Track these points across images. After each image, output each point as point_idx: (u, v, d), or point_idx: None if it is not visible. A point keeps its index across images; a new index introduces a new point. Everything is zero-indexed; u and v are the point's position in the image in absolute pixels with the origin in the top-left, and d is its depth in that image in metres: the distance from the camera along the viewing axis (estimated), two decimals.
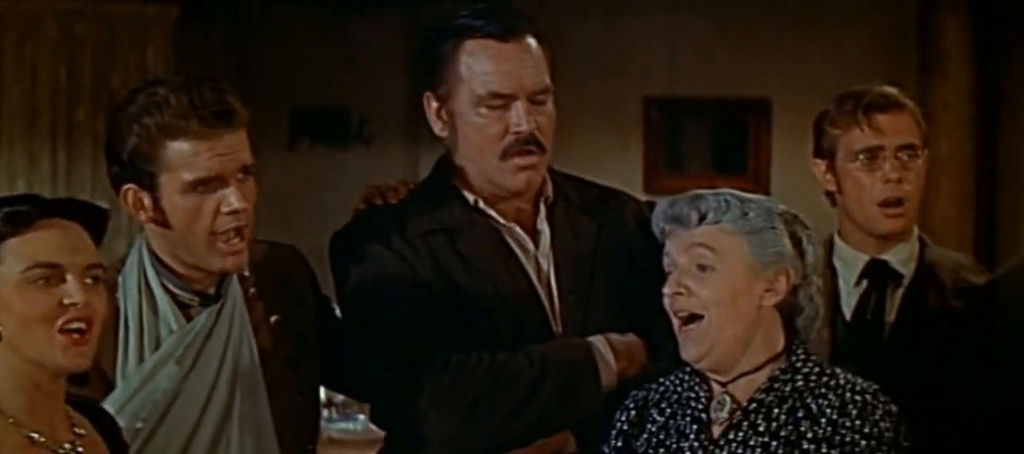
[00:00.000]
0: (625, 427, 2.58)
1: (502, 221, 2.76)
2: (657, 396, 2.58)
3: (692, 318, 2.49)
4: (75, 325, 2.19)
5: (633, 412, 2.58)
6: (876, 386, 2.49)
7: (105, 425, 2.33)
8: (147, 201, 2.53)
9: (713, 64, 7.96)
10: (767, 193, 7.58)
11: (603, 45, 8.10)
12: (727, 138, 8.11)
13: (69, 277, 2.20)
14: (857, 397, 2.45)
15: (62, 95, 7.48)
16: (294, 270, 2.77)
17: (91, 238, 2.26)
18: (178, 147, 2.49)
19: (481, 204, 2.76)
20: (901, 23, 7.44)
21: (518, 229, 2.77)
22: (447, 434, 2.64)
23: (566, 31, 7.83)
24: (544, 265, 2.77)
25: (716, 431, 2.48)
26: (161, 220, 2.54)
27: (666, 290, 2.51)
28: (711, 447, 2.47)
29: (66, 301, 2.18)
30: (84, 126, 7.49)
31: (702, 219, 2.49)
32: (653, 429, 2.55)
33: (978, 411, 2.84)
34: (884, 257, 2.96)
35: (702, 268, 2.48)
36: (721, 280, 2.47)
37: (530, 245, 2.77)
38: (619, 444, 2.57)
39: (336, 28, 8.71)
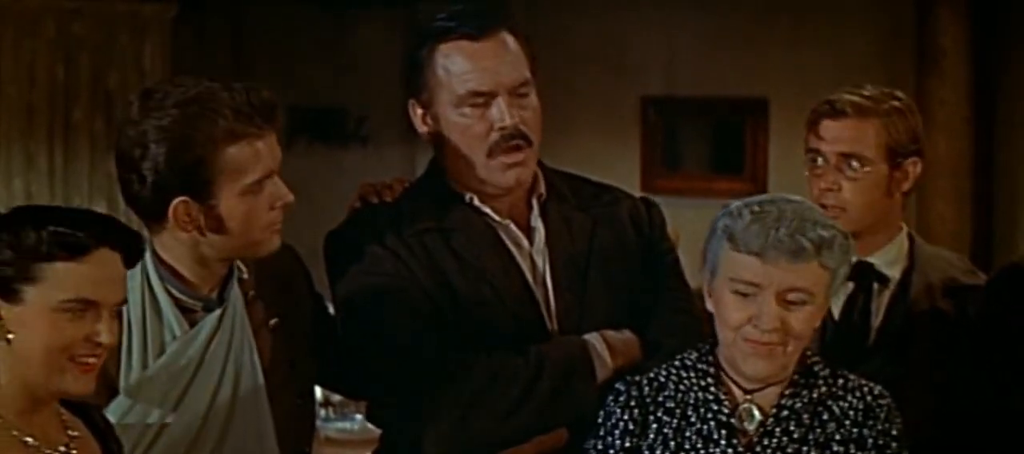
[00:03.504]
0: (630, 426, 2.54)
1: (497, 218, 2.77)
2: (653, 392, 2.56)
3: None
4: (91, 359, 2.19)
5: (636, 410, 2.55)
6: (884, 389, 2.55)
7: (98, 425, 2.33)
8: (195, 211, 2.49)
9: (710, 64, 7.96)
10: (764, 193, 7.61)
11: (600, 45, 8.10)
12: (724, 138, 8.11)
13: (102, 314, 2.18)
14: (881, 401, 2.52)
15: (60, 94, 7.47)
16: (291, 270, 2.77)
17: (126, 267, 2.24)
18: (239, 150, 2.47)
19: (476, 201, 2.76)
20: (899, 22, 7.44)
21: (513, 226, 2.77)
22: (443, 433, 2.64)
23: (563, 31, 7.83)
24: (539, 262, 2.77)
25: (752, 437, 2.49)
26: (215, 227, 2.50)
27: (764, 323, 2.44)
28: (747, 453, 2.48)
29: (95, 339, 2.18)
30: (81, 125, 7.49)
31: (818, 252, 2.44)
32: (666, 432, 2.52)
33: (966, 412, 2.85)
34: (870, 259, 2.96)
35: (794, 304, 2.45)
36: (808, 315, 2.46)
37: (525, 243, 2.77)
38: (626, 444, 2.54)
39: (334, 27, 8.71)
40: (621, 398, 2.57)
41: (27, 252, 2.13)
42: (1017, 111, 7.28)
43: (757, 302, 2.44)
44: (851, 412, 2.50)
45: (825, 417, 2.50)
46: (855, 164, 2.92)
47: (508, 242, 2.76)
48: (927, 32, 7.20)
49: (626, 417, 2.55)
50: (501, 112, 2.69)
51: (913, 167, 2.98)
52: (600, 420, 2.57)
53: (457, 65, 2.69)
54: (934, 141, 6.77)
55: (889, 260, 2.98)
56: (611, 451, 2.55)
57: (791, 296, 2.44)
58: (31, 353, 2.15)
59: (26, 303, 2.13)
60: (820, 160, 2.96)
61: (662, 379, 2.56)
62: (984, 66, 7.18)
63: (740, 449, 2.48)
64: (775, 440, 2.48)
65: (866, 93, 2.96)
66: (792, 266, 2.43)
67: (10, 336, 2.14)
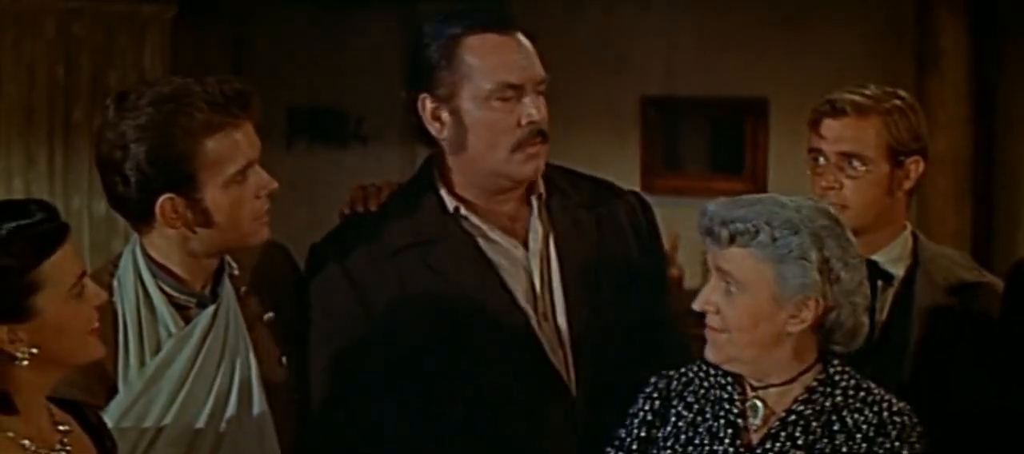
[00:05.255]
0: (649, 417, 2.57)
1: (484, 227, 2.72)
2: (680, 386, 2.57)
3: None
4: (98, 323, 2.24)
5: (657, 402, 2.57)
6: (908, 406, 2.49)
7: (90, 422, 2.34)
8: (181, 207, 2.50)
9: (710, 64, 7.96)
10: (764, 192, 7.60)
11: (601, 45, 8.10)
12: (724, 137, 8.11)
13: (88, 281, 2.22)
14: (896, 418, 2.46)
15: (59, 94, 7.46)
16: (282, 267, 2.77)
17: None
18: (218, 142, 2.49)
19: (462, 210, 2.72)
20: (898, 22, 7.44)
21: (499, 236, 2.73)
22: None
23: (564, 30, 7.82)
24: (535, 265, 2.75)
25: (752, 438, 2.47)
26: (203, 221, 2.52)
27: (697, 301, 2.49)
28: None
29: (95, 302, 2.23)
30: (81, 125, 7.47)
31: (732, 240, 2.44)
32: (681, 425, 2.53)
33: (971, 408, 2.84)
34: (874, 258, 2.96)
35: (728, 289, 2.46)
36: (744, 305, 2.44)
37: (518, 251, 2.74)
38: (642, 433, 2.56)
39: (333, 27, 8.70)
40: (647, 390, 2.59)
41: (18, 270, 2.13)
42: (1017, 111, 7.27)
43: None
44: (864, 426, 2.45)
45: (836, 427, 2.46)
46: (856, 163, 2.92)
47: (490, 253, 2.71)
48: (926, 32, 7.19)
49: (647, 408, 2.57)
50: (533, 106, 2.67)
51: (915, 166, 2.97)
52: (631, 410, 2.59)
53: (487, 58, 2.66)
54: (934, 141, 6.71)
55: (893, 258, 2.98)
56: (628, 438, 2.57)
57: (725, 280, 2.45)
58: (63, 349, 2.18)
59: (40, 311, 2.15)
60: (821, 159, 2.96)
61: (691, 375, 2.57)
62: (984, 66, 7.17)
63: (743, 450, 2.47)
64: (778, 444, 2.46)
65: (867, 92, 2.96)
66: (718, 249, 2.45)
67: (34, 350, 2.15)
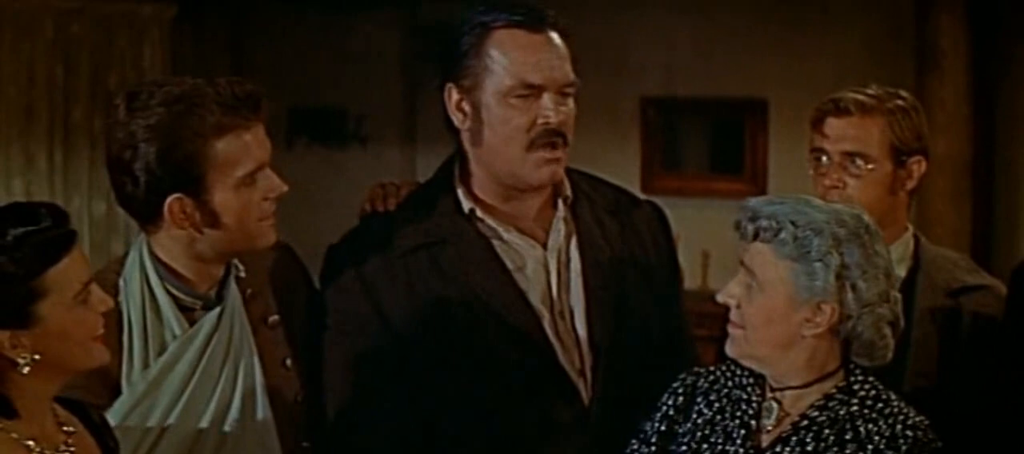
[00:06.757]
0: (670, 411, 2.57)
1: (499, 228, 2.71)
2: (706, 384, 2.57)
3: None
4: (102, 330, 2.23)
5: (681, 398, 2.57)
6: (926, 421, 2.46)
7: (94, 422, 2.34)
8: (190, 208, 2.49)
9: (710, 64, 7.96)
10: (763, 193, 7.60)
11: (601, 45, 8.09)
12: (724, 138, 8.11)
13: (95, 287, 2.22)
14: (908, 432, 2.43)
15: (59, 94, 7.45)
16: (288, 269, 2.77)
17: None
18: (228, 143, 2.47)
19: (478, 212, 2.72)
20: (898, 23, 7.43)
21: (515, 237, 2.72)
22: None
23: None
24: (553, 264, 2.73)
25: (763, 440, 2.46)
26: (211, 223, 2.51)
27: (720, 295, 2.49)
28: None
29: (101, 309, 2.22)
30: (81, 125, 7.47)
31: (756, 235, 2.43)
32: (699, 422, 2.53)
33: (971, 410, 2.84)
34: None
35: (749, 286, 2.45)
36: (760, 304, 2.44)
37: (536, 251, 2.72)
38: (662, 427, 2.56)
39: (333, 28, 8.70)
40: (675, 384, 2.59)
41: (23, 277, 2.12)
42: (1017, 111, 7.27)
43: None
44: (876, 436, 2.42)
45: (848, 436, 2.43)
46: (859, 162, 2.92)
47: (507, 254, 2.70)
48: (926, 32, 7.19)
49: (670, 402, 2.58)
50: (549, 107, 2.65)
51: (917, 166, 2.97)
52: (658, 403, 2.60)
53: (511, 54, 2.64)
54: (934, 141, 6.69)
55: (895, 259, 2.96)
56: (650, 431, 2.57)
57: (748, 276, 2.44)
58: (66, 355, 2.17)
59: (44, 318, 2.14)
60: (824, 158, 2.95)
61: (718, 374, 2.57)
62: (984, 66, 7.17)
63: (751, 451, 2.46)
64: (788, 449, 2.45)
65: (871, 92, 2.96)
66: (744, 244, 2.45)
67: (36, 357, 2.14)
